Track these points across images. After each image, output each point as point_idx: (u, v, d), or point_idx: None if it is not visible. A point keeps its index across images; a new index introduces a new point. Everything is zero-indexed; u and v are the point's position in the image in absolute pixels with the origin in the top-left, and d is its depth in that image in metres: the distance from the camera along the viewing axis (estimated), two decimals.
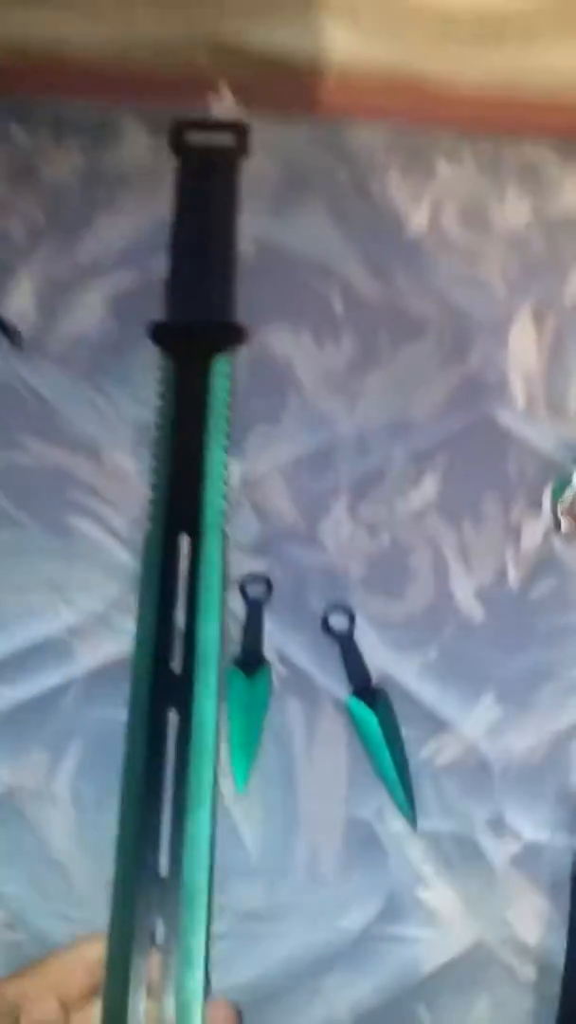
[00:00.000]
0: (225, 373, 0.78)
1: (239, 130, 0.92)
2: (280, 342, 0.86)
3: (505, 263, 0.93)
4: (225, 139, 0.93)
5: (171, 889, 0.55)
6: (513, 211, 0.96)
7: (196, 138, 0.94)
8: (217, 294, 0.82)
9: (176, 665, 0.63)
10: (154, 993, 0.51)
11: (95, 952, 0.50)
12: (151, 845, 0.57)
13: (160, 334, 0.80)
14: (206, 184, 0.88)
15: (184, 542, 0.68)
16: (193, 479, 0.71)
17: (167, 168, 0.97)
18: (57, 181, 0.96)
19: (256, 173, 0.97)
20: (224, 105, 1.02)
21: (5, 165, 0.97)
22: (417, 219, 0.95)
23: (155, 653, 0.64)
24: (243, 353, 0.85)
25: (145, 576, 0.68)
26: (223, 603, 0.66)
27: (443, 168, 0.99)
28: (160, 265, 0.90)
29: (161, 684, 0.62)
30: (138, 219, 0.93)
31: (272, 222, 0.94)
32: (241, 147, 0.91)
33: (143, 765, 0.59)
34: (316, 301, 0.89)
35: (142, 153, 0.99)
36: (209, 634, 0.64)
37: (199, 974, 0.53)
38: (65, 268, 0.90)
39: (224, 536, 0.69)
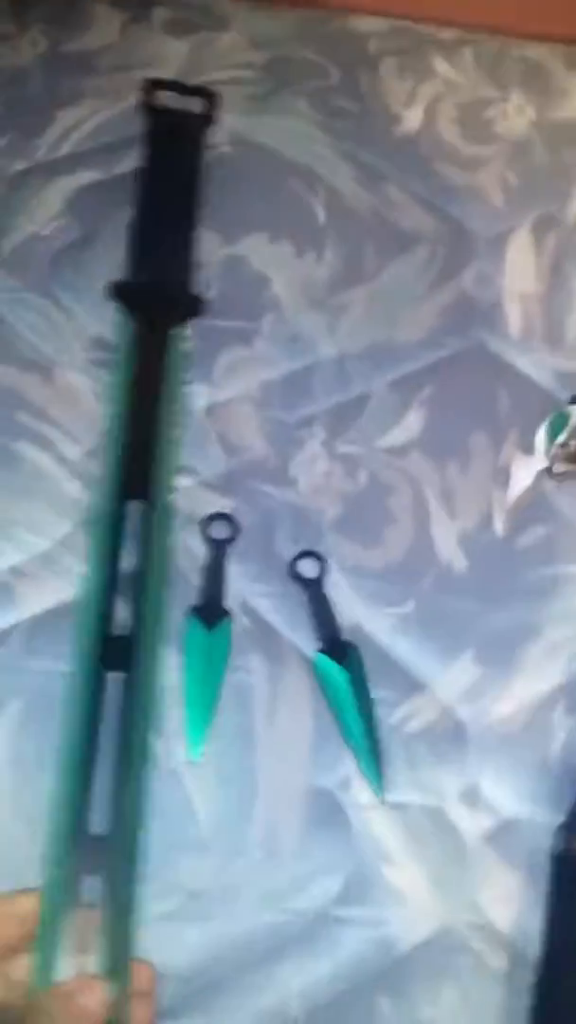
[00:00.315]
0: (182, 343, 0.72)
1: (209, 96, 0.84)
2: (256, 253, 0.78)
3: (505, 173, 0.84)
4: (195, 104, 0.84)
5: (106, 847, 0.54)
6: (515, 117, 0.88)
7: (166, 99, 0.84)
8: (178, 263, 0.76)
9: (120, 627, 0.61)
10: (85, 949, 0.50)
11: (29, 905, 0.50)
12: (86, 804, 0.56)
13: (123, 294, 0.74)
14: (173, 147, 0.81)
15: (134, 508, 0.65)
16: (146, 447, 0.67)
17: (135, 57, 0.87)
18: (18, 68, 0.86)
19: (236, 62, 0.88)
20: None
21: None
22: (411, 121, 0.86)
23: (100, 615, 0.61)
24: (217, 264, 0.77)
25: (94, 540, 0.65)
26: (168, 568, 0.64)
27: (441, 67, 0.90)
28: (126, 163, 0.82)
29: (105, 645, 0.60)
30: (103, 112, 0.84)
31: (251, 119, 0.85)
32: (210, 114, 0.83)
33: (82, 725, 0.57)
34: (297, 208, 0.81)
35: (111, 39, 0.89)
36: (155, 599, 0.62)
37: (130, 931, 0.51)
38: (22, 164, 0.81)
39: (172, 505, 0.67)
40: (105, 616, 0.62)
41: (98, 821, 0.56)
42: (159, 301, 0.74)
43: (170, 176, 0.80)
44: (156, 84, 0.84)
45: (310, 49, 0.90)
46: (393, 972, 0.57)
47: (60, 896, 0.51)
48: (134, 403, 0.69)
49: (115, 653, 0.60)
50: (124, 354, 0.72)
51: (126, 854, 0.55)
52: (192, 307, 0.74)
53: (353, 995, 0.56)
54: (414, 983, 0.57)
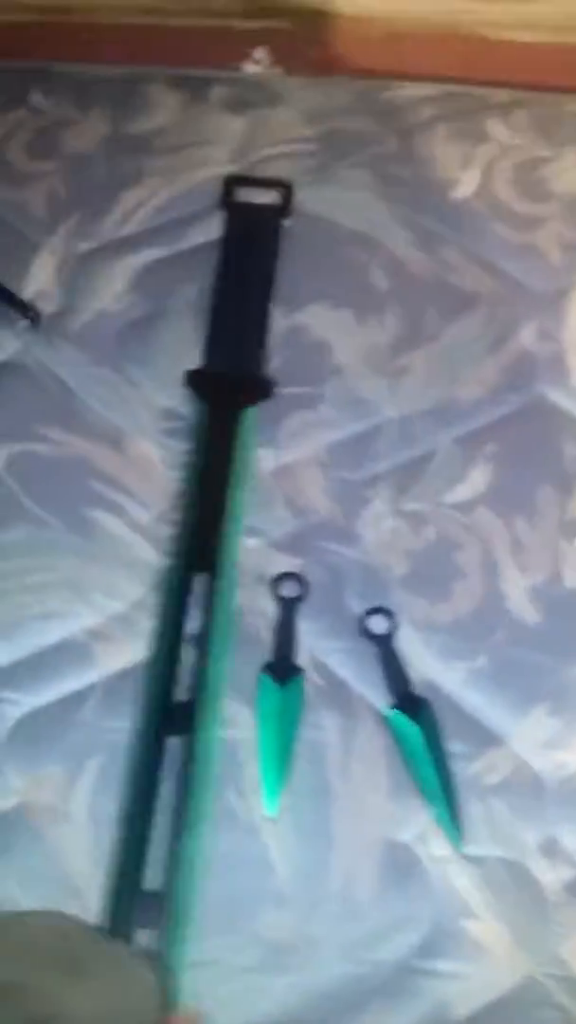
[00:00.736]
0: (252, 424, 0.76)
1: (284, 188, 0.87)
2: (319, 321, 0.81)
3: (562, 230, 0.86)
4: (270, 196, 0.87)
5: (159, 903, 0.59)
6: (572, 173, 0.89)
7: (243, 194, 0.88)
8: (252, 347, 0.79)
9: (182, 693, 0.65)
10: None
11: None
12: (143, 860, 0.60)
13: (196, 381, 0.78)
14: (249, 240, 0.85)
15: (200, 581, 0.69)
16: (215, 522, 0.71)
17: (194, 135, 0.91)
18: (81, 151, 0.91)
19: (292, 136, 0.92)
20: (258, 65, 0.97)
21: (26, 134, 0.92)
22: (466, 184, 0.88)
23: (163, 682, 0.65)
24: (280, 333, 0.80)
25: (161, 609, 0.69)
26: (231, 637, 0.67)
27: (495, 129, 0.92)
28: (189, 239, 0.85)
29: (166, 710, 0.65)
30: (165, 191, 0.88)
31: (311, 191, 0.88)
32: (286, 204, 0.87)
33: (142, 786, 0.62)
34: (357, 275, 0.83)
35: (170, 119, 0.93)
36: (217, 668, 0.66)
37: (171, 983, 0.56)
38: (89, 244, 0.85)
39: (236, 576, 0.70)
40: (167, 682, 0.66)
41: (153, 877, 0.60)
42: (233, 388, 0.77)
43: (247, 265, 0.83)
44: (234, 180, 0.87)
45: (364, 119, 0.93)
46: None
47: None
48: (205, 478, 0.73)
49: (176, 718, 0.64)
50: (196, 431, 0.75)
51: (177, 909, 0.58)
52: (264, 390, 0.77)
53: None
54: None
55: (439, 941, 0.59)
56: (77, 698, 0.66)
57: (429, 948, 0.59)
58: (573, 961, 0.59)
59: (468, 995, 0.58)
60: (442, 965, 0.59)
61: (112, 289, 0.82)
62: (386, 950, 0.59)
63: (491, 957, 0.59)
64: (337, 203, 0.87)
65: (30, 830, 0.62)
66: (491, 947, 0.59)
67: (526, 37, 0.98)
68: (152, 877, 0.60)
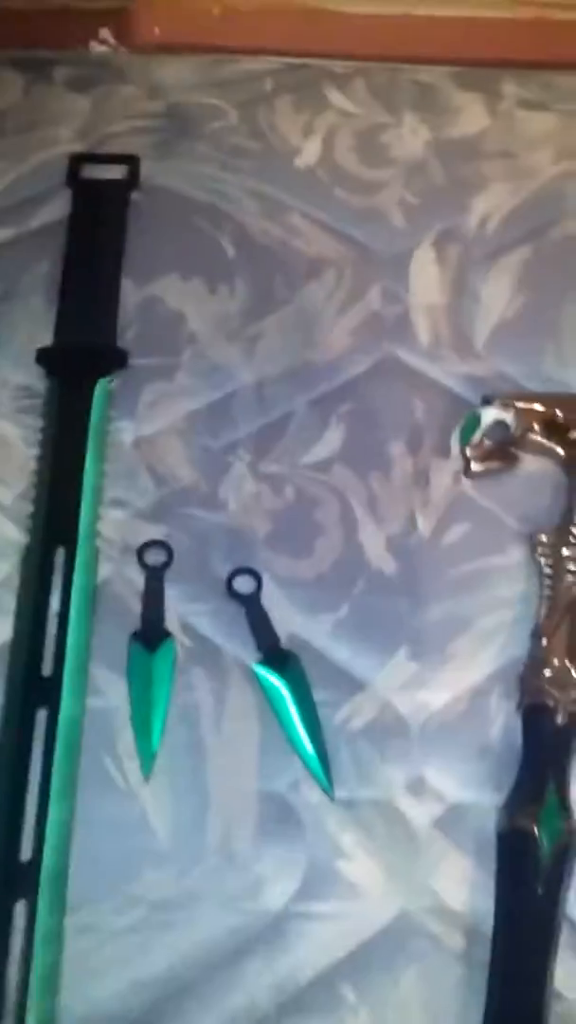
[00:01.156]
0: (105, 394, 0.76)
1: (130, 162, 0.88)
2: (171, 292, 0.82)
3: (403, 193, 0.88)
4: (117, 171, 0.88)
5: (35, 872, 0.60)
6: (411, 139, 0.92)
7: (90, 170, 0.89)
8: (102, 319, 0.80)
9: (47, 668, 0.66)
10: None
11: None
12: (16, 832, 0.61)
13: (46, 357, 0.78)
14: (97, 216, 0.86)
15: (60, 554, 0.69)
16: (71, 495, 0.72)
17: (39, 115, 0.91)
18: None
19: (138, 112, 0.92)
20: (103, 45, 0.97)
21: None
22: (309, 153, 0.90)
23: (28, 657, 0.66)
24: (133, 306, 0.81)
25: (22, 585, 0.69)
26: (92, 611, 0.68)
27: (335, 98, 0.94)
28: (38, 219, 0.85)
29: (32, 685, 0.65)
30: (11, 172, 0.88)
31: (158, 165, 0.89)
32: (133, 179, 0.88)
33: (11, 759, 0.63)
34: (206, 245, 0.85)
35: (14, 100, 0.93)
36: (79, 639, 0.67)
37: (56, 947, 0.58)
38: None
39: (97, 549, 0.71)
40: (33, 657, 0.66)
41: (28, 848, 0.60)
42: (84, 360, 0.78)
43: (96, 240, 0.84)
44: (80, 158, 0.88)
45: (207, 93, 0.94)
46: (355, 960, 0.59)
47: None
48: (58, 451, 0.73)
49: (43, 691, 0.65)
50: (48, 406, 0.75)
51: (52, 877, 0.59)
52: (117, 360, 0.78)
53: (319, 986, 0.58)
54: (376, 969, 0.59)
55: (316, 885, 0.61)
56: None
57: (306, 892, 0.61)
58: (443, 892, 0.61)
59: (346, 934, 0.60)
60: (319, 907, 0.60)
61: None
62: (266, 898, 0.60)
63: (366, 896, 0.61)
64: (184, 176, 0.89)
65: None
66: (365, 886, 0.61)
67: (363, 9, 1.00)
68: (27, 848, 0.60)
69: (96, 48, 1.00)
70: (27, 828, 0.61)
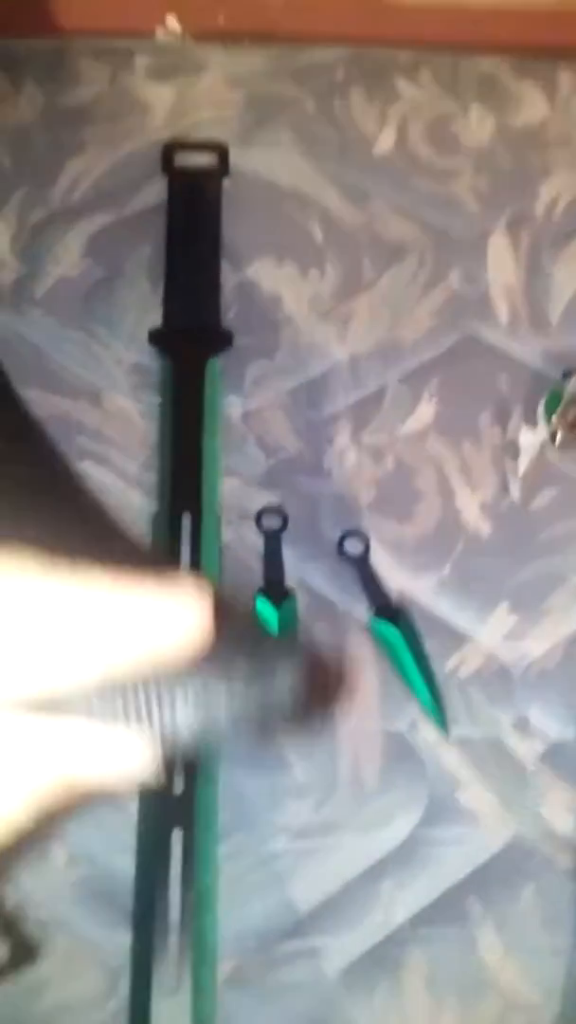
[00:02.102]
0: (216, 372, 0.82)
1: (220, 150, 0.93)
2: (266, 275, 0.87)
3: (475, 180, 0.94)
4: (207, 158, 0.93)
5: (189, 804, 0.66)
6: (478, 127, 0.97)
7: (181, 158, 0.94)
8: (207, 301, 0.86)
9: None
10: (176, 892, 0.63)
11: None
12: (167, 769, 0.65)
13: (160, 338, 0.83)
14: (193, 202, 0.91)
15: (187, 519, 0.75)
16: (193, 465, 0.78)
17: (126, 105, 0.96)
18: (19, 124, 0.95)
19: (218, 101, 0.97)
20: (169, 32, 1.01)
21: None
22: (384, 141, 0.96)
23: None
24: (231, 289, 0.86)
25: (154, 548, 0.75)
26: (221, 570, 0.75)
27: (404, 87, 0.99)
28: (134, 204, 0.91)
29: None
30: (106, 159, 0.93)
31: (243, 153, 0.94)
32: (223, 166, 0.93)
33: None
34: (296, 230, 0.90)
35: (101, 89, 0.98)
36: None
37: (212, 870, 0.65)
38: (40, 213, 0.90)
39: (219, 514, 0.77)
40: None
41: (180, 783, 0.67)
42: (194, 342, 0.84)
43: (194, 226, 0.89)
44: (172, 146, 0.93)
45: (283, 82, 0.99)
46: (478, 879, 0.66)
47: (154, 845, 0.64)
48: (178, 427, 0.79)
49: None
50: (165, 384, 0.81)
51: (202, 810, 0.66)
52: (223, 341, 0.83)
53: (447, 901, 0.66)
54: (497, 886, 0.66)
55: (438, 813, 0.68)
56: None
57: (430, 820, 0.68)
58: (552, 819, 0.69)
59: (468, 856, 0.67)
60: (443, 833, 0.68)
61: (68, 255, 0.87)
62: (395, 825, 0.68)
63: (483, 823, 0.68)
64: (269, 163, 0.94)
65: None
66: (482, 814, 0.68)
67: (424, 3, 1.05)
68: (179, 783, 0.67)
69: (162, 35, 1.04)
70: (177, 765, 0.67)
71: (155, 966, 0.62)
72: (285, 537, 0.76)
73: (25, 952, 0.56)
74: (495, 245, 0.90)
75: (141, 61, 1.00)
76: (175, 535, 0.75)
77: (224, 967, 0.64)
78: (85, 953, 0.64)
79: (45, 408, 0.80)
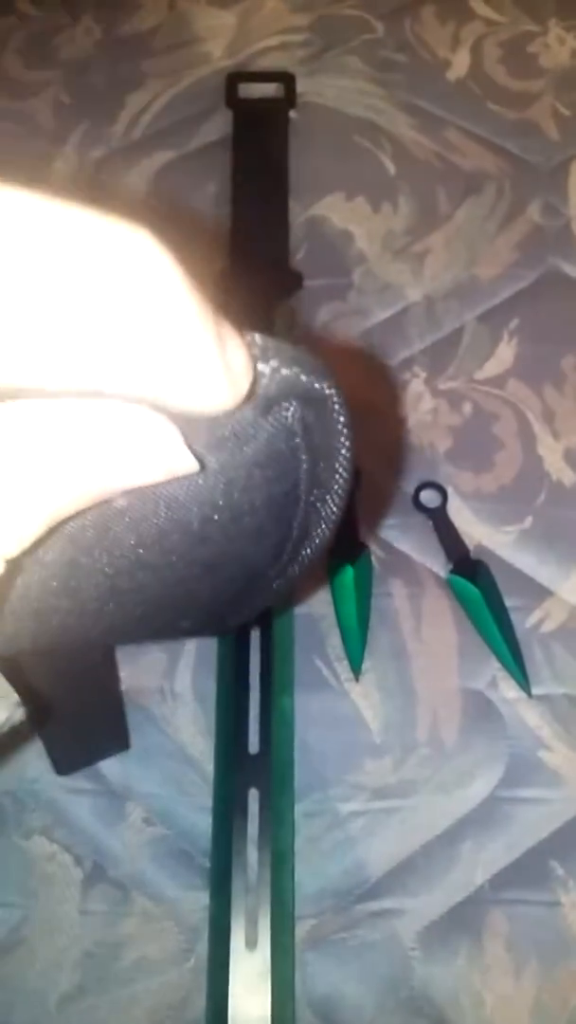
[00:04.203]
0: (288, 316, 0.79)
1: (287, 79, 0.89)
2: (336, 211, 0.84)
3: (556, 104, 0.89)
4: (273, 89, 0.89)
5: (265, 763, 0.65)
6: (557, 48, 0.92)
7: (245, 89, 0.90)
8: (274, 241, 0.83)
9: None
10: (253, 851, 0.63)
11: None
12: (243, 729, 0.66)
13: (228, 280, 0.80)
14: (259, 136, 0.87)
15: None
16: None
17: (187, 33, 0.92)
18: (77, 57, 0.92)
19: (283, 27, 0.93)
20: None
21: (19, 43, 0.92)
22: (458, 66, 0.91)
23: None
24: (300, 227, 0.83)
25: None
26: None
27: (479, 6, 0.94)
28: (199, 138, 0.88)
29: None
30: (168, 92, 0.90)
31: (310, 81, 0.90)
32: (290, 97, 0.89)
33: (233, 664, 0.68)
34: (366, 162, 0.86)
35: (160, 18, 0.94)
36: None
37: (289, 829, 0.64)
38: (100, 150, 0.87)
39: None
40: None
41: (256, 742, 0.66)
42: (264, 284, 0.80)
43: (261, 161, 0.86)
44: (237, 77, 0.89)
45: (351, 4, 0.94)
46: (561, 839, 0.65)
47: (229, 807, 0.63)
48: None
49: None
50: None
51: (280, 768, 0.65)
52: (295, 282, 0.80)
53: (528, 862, 0.64)
54: None
55: (519, 773, 0.67)
56: None
57: (512, 780, 0.66)
58: None
59: (550, 816, 0.66)
60: (524, 793, 0.66)
61: (133, 193, 0.85)
62: (475, 785, 0.66)
63: (566, 782, 0.67)
64: (337, 92, 0.90)
65: (141, 711, 0.68)
66: (566, 773, 0.67)
67: None
68: (255, 742, 0.66)
69: None
70: (252, 724, 0.67)
71: (233, 926, 0.62)
72: (360, 491, 0.74)
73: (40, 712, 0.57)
74: None
75: None
76: None
77: (302, 927, 0.63)
78: (163, 912, 0.64)
79: None
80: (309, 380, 0.26)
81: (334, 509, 0.29)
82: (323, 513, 0.29)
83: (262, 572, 0.31)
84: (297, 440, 0.28)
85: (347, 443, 0.28)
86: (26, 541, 0.23)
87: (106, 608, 0.29)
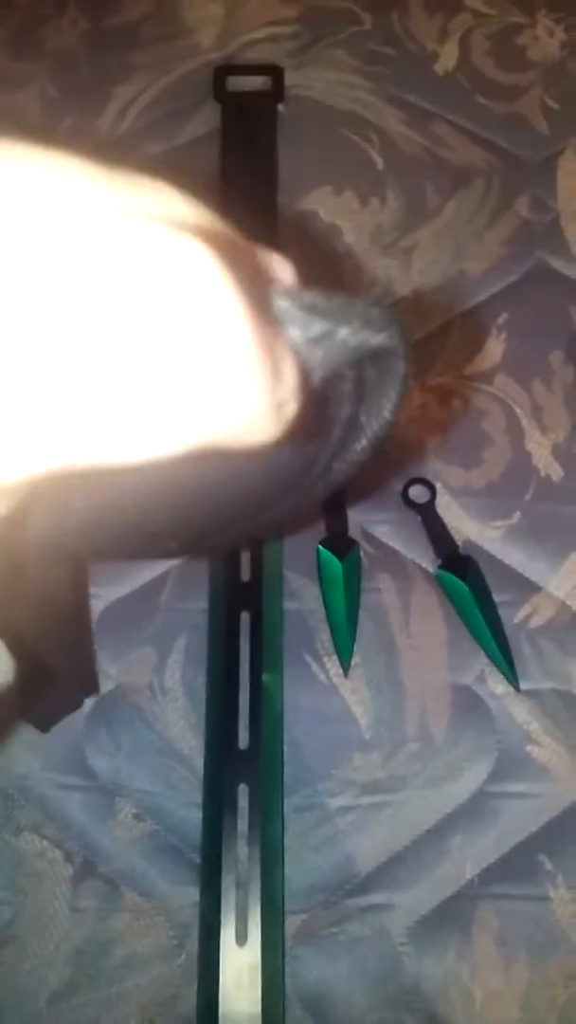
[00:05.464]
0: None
1: (275, 72, 0.89)
2: (325, 205, 0.84)
3: (544, 97, 0.89)
4: (261, 82, 0.89)
5: (254, 758, 0.65)
6: (546, 39, 0.92)
7: (233, 82, 0.90)
8: (264, 237, 0.80)
9: (245, 574, 0.70)
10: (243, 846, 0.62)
11: None
12: (233, 724, 0.66)
13: None
14: (247, 130, 0.87)
15: None
16: None
17: (174, 25, 0.92)
18: (64, 48, 0.91)
19: (271, 19, 0.93)
20: None
21: (5, 34, 0.92)
22: (446, 58, 0.91)
23: (228, 564, 0.71)
24: (288, 219, 0.83)
25: None
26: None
27: None
28: (186, 132, 0.87)
29: (234, 590, 0.70)
30: (155, 85, 0.89)
31: (298, 74, 0.90)
32: (278, 90, 0.88)
33: (223, 659, 0.68)
34: (354, 156, 0.86)
35: (148, 9, 0.94)
36: (273, 547, 0.72)
37: (278, 825, 0.64)
38: (87, 144, 0.87)
39: None
40: (232, 564, 0.71)
41: (245, 737, 0.66)
42: None
43: (248, 155, 0.85)
44: (225, 70, 0.89)
45: None
46: (550, 833, 0.65)
47: (219, 802, 0.63)
48: None
49: (244, 595, 0.70)
50: None
51: (268, 765, 0.65)
52: None
53: (517, 856, 0.65)
54: (570, 841, 0.65)
55: (508, 767, 0.67)
56: (154, 585, 0.71)
57: (500, 774, 0.67)
58: None
59: (539, 810, 0.66)
60: (513, 787, 0.66)
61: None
62: (464, 779, 0.67)
63: (555, 777, 0.67)
64: (325, 84, 0.90)
65: (131, 707, 0.68)
66: (554, 768, 0.67)
67: None
68: (244, 738, 0.66)
69: None
70: (242, 720, 0.67)
71: (223, 921, 0.62)
72: (347, 486, 0.74)
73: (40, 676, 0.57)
74: (565, 168, 0.86)
75: None
76: None
77: (292, 922, 0.64)
78: (154, 908, 0.64)
79: None
80: (378, 338, 0.26)
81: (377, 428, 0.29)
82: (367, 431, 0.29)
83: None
84: (347, 386, 0.27)
85: (400, 388, 0.28)
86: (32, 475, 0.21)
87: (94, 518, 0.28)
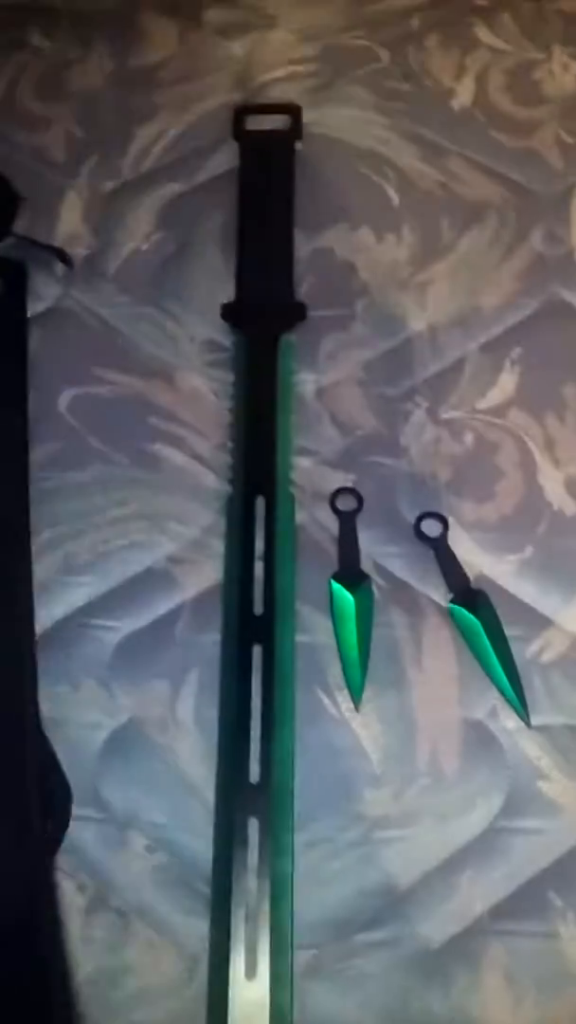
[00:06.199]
0: (290, 348, 0.80)
1: (293, 111, 0.90)
2: (341, 242, 0.85)
3: (559, 132, 0.89)
4: (280, 121, 0.90)
5: (265, 793, 0.65)
6: (562, 75, 0.92)
7: (252, 121, 0.91)
8: (280, 273, 0.83)
9: (258, 607, 0.70)
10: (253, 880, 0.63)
11: None
12: (245, 757, 0.66)
13: (232, 313, 0.82)
14: (266, 168, 0.88)
15: (260, 503, 0.74)
16: (267, 447, 0.76)
17: (196, 65, 0.93)
18: (89, 90, 0.93)
19: (291, 58, 0.94)
20: None
21: (33, 76, 0.94)
22: (463, 94, 0.92)
23: (240, 598, 0.71)
24: (305, 258, 0.84)
25: (228, 533, 0.74)
26: (295, 552, 0.73)
27: (483, 34, 0.95)
28: (206, 171, 0.89)
29: (247, 624, 0.70)
30: (177, 124, 0.91)
31: (316, 112, 0.91)
32: (296, 128, 0.90)
33: (235, 692, 0.68)
34: (370, 193, 0.87)
35: (170, 49, 0.95)
36: (285, 581, 0.72)
37: (288, 859, 0.64)
38: (112, 183, 0.88)
39: (293, 496, 0.75)
40: (244, 598, 0.71)
41: (257, 771, 0.66)
42: (267, 316, 0.81)
43: (267, 193, 0.87)
44: (244, 109, 0.90)
45: (357, 34, 0.95)
46: (561, 870, 0.65)
47: (228, 836, 0.64)
48: (252, 406, 0.78)
49: (256, 629, 0.70)
50: (238, 361, 0.80)
51: (280, 798, 0.65)
52: (297, 314, 0.81)
53: (528, 892, 0.65)
54: None
55: (519, 803, 0.67)
56: (169, 618, 0.72)
57: (511, 810, 0.67)
58: None
59: (550, 847, 0.66)
60: (524, 823, 0.67)
61: (141, 227, 0.86)
62: (475, 815, 0.67)
63: (566, 812, 0.67)
64: (342, 122, 0.90)
65: (145, 740, 0.69)
66: (565, 803, 0.67)
67: None
68: (255, 771, 0.67)
69: None
70: (253, 754, 0.67)
71: (233, 955, 0.62)
72: (360, 519, 0.75)
73: None
74: None
75: (211, 16, 0.97)
76: (249, 518, 0.74)
77: (302, 956, 0.64)
78: (164, 940, 0.65)
79: (119, 388, 0.79)
80: None
81: None
82: None
83: None
84: None
85: None
86: None
87: None
